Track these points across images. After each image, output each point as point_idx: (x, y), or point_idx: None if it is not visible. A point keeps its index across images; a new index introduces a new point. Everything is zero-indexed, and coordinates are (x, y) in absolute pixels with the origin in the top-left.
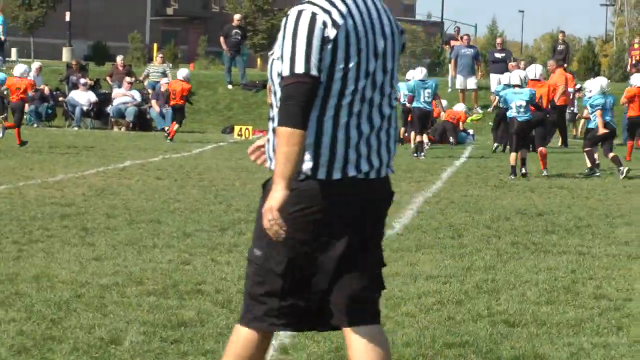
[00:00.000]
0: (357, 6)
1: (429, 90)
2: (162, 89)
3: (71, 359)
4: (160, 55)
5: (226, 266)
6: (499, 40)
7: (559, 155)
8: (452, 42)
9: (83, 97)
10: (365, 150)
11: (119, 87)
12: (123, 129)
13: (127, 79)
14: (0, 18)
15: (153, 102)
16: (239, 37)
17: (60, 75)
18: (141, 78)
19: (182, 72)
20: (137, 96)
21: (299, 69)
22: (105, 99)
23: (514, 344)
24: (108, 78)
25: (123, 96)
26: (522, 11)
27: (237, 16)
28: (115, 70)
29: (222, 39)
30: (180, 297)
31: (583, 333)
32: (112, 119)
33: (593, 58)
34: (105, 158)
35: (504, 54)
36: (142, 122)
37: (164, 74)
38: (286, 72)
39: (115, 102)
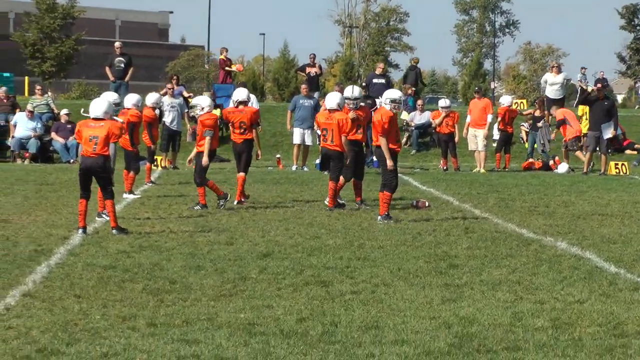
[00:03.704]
0: None
1: None
2: (62, 120)
3: None
4: (39, 87)
5: None
6: None
7: None
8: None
9: None
10: None
11: (5, 119)
12: (26, 161)
13: (29, 107)
14: None
15: (53, 134)
16: (122, 65)
17: None
18: (28, 110)
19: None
20: (39, 128)
21: None
22: (4, 132)
23: None
24: None
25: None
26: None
27: (117, 44)
28: None
29: (106, 68)
30: None
31: None
32: (14, 152)
33: None
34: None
35: None
36: (44, 154)
37: (48, 105)
38: None
39: (17, 134)
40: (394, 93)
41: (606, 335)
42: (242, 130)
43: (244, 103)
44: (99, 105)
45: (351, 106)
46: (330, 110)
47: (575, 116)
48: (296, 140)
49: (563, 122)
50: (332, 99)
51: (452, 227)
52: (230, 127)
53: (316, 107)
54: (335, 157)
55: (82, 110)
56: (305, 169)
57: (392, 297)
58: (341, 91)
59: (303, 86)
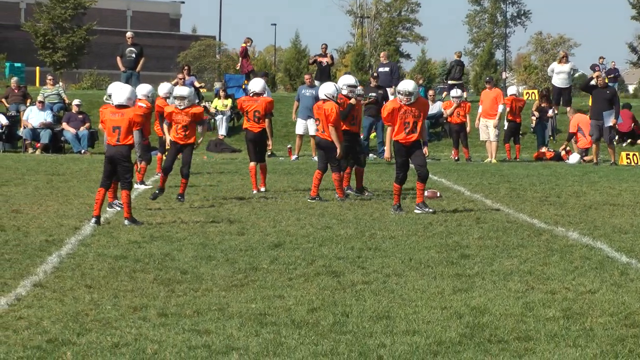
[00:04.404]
0: None
1: None
2: (74, 110)
3: None
4: (50, 77)
5: None
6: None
7: None
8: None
9: None
10: None
11: (17, 110)
12: (38, 151)
13: (39, 98)
14: None
15: (64, 124)
16: (133, 55)
17: None
18: (38, 101)
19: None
20: (49, 118)
21: None
22: (15, 122)
23: None
24: (4, 100)
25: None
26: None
27: (129, 34)
28: (10, 92)
29: (118, 58)
30: None
31: None
32: (26, 141)
33: None
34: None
35: None
36: (55, 144)
37: (60, 95)
38: None
39: (31, 122)
40: (348, 79)
41: (617, 325)
42: (256, 120)
43: (259, 94)
44: (122, 92)
45: (350, 95)
46: (324, 100)
47: (589, 123)
48: (298, 130)
49: (575, 134)
50: (322, 89)
51: (464, 218)
52: (245, 116)
53: (317, 98)
54: (325, 146)
55: (105, 97)
56: (315, 158)
57: (404, 287)
58: None
59: (306, 76)
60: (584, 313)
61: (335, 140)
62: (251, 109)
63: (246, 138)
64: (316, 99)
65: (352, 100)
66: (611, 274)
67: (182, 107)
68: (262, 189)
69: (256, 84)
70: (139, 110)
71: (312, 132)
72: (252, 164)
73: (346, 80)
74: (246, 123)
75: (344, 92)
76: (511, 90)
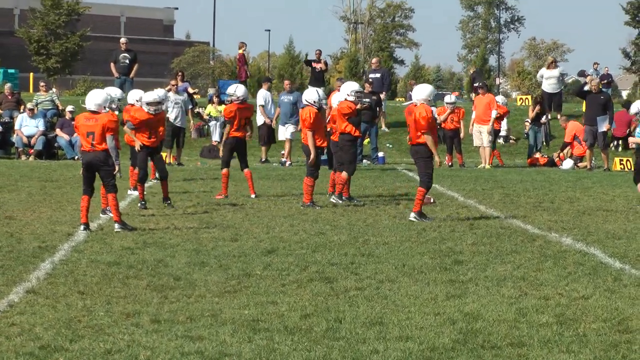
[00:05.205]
0: None
1: None
2: (67, 117)
3: None
4: (43, 83)
5: None
6: None
7: None
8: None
9: None
10: None
11: (10, 116)
12: (31, 158)
13: (30, 105)
14: None
15: (58, 130)
16: (127, 61)
17: None
18: (28, 108)
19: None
20: (41, 125)
21: None
22: (8, 128)
23: None
24: None
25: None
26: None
27: (123, 40)
28: (4, 98)
29: (111, 64)
30: None
31: None
32: (19, 149)
33: None
34: None
35: None
36: (48, 151)
37: (53, 102)
38: None
39: (23, 131)
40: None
41: (611, 331)
42: (241, 126)
43: (246, 101)
44: (93, 97)
45: (351, 99)
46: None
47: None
48: (280, 136)
49: (571, 142)
50: (304, 95)
51: (457, 223)
52: (231, 124)
53: (296, 103)
54: (307, 151)
55: (81, 101)
56: (285, 161)
57: (397, 293)
58: None
59: (286, 82)
60: (578, 319)
61: (310, 145)
62: (243, 116)
63: (230, 145)
64: (294, 104)
65: (359, 106)
66: (604, 279)
67: (155, 112)
68: (253, 196)
69: (244, 91)
70: (112, 116)
71: (288, 136)
72: (226, 169)
73: (353, 86)
74: (233, 131)
75: (351, 98)
76: (497, 98)
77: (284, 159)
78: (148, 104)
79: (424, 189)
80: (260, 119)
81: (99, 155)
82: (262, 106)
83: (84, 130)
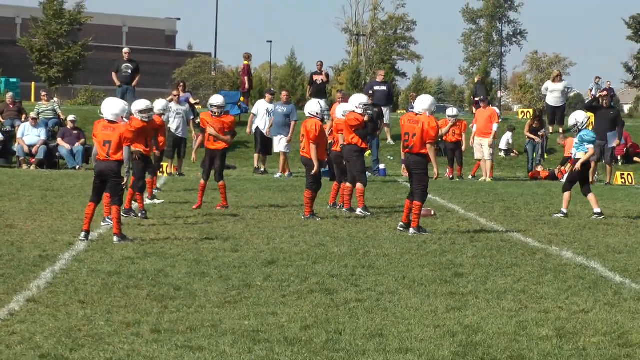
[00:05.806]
0: None
1: None
2: (68, 126)
3: None
4: (44, 93)
5: None
6: None
7: None
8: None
9: None
10: None
11: (12, 125)
12: (32, 167)
13: (33, 114)
14: None
15: (59, 139)
16: (129, 71)
17: None
18: (31, 117)
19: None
20: (43, 135)
21: None
22: (10, 137)
23: None
24: None
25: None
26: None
27: (125, 49)
28: (5, 107)
29: (113, 73)
30: None
31: None
32: (20, 158)
33: None
34: None
35: None
36: (50, 160)
37: (54, 111)
38: None
39: (25, 140)
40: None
41: (611, 345)
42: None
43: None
44: (111, 107)
45: (359, 111)
46: (308, 118)
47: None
48: (275, 148)
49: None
50: (307, 107)
51: (458, 236)
52: (209, 134)
53: (289, 115)
54: (306, 164)
55: (99, 111)
56: (278, 175)
57: (397, 305)
58: (344, 99)
59: (283, 92)
60: (577, 332)
61: (314, 157)
62: (226, 127)
63: (211, 156)
64: (287, 116)
65: (366, 117)
66: (605, 293)
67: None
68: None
69: (221, 100)
70: (129, 127)
71: (282, 148)
72: (204, 181)
73: (361, 99)
74: (210, 142)
75: (359, 110)
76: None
77: (278, 174)
78: (140, 112)
79: (419, 202)
80: (255, 125)
81: (111, 166)
82: (254, 114)
83: (101, 138)
